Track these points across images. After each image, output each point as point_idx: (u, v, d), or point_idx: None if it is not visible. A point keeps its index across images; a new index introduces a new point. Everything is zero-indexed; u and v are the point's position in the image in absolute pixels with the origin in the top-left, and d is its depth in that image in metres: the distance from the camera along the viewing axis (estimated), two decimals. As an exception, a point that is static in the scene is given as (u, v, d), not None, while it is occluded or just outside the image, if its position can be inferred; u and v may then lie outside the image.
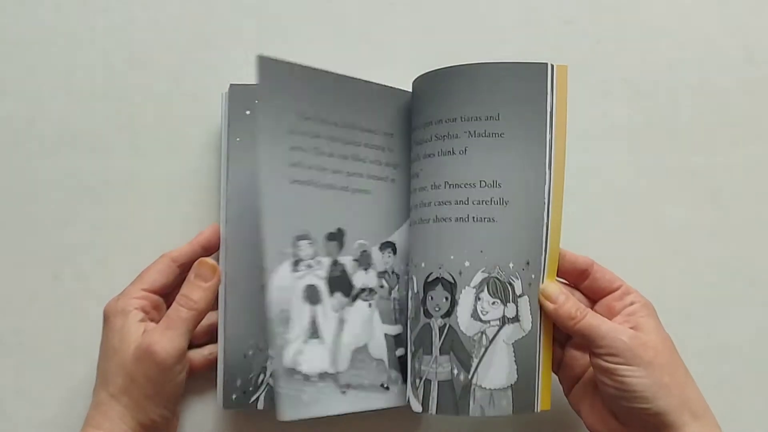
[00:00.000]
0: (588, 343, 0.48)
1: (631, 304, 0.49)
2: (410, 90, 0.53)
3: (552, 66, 0.49)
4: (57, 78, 0.58)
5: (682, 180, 0.58)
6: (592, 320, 0.47)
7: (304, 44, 0.59)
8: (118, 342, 0.49)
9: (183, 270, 0.52)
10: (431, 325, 0.50)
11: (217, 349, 0.53)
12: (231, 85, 0.54)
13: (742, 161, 0.59)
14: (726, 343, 0.57)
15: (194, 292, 0.50)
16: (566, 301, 0.48)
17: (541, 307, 0.49)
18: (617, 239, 0.57)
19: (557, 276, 0.50)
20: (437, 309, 0.49)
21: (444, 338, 0.49)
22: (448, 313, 0.49)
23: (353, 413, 0.50)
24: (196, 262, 0.51)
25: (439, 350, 0.49)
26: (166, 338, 0.48)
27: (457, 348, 0.49)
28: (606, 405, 0.48)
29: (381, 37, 0.59)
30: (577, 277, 0.51)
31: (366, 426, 0.56)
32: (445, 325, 0.49)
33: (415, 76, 0.53)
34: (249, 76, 0.57)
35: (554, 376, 0.52)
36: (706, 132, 0.59)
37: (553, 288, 0.49)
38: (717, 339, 0.57)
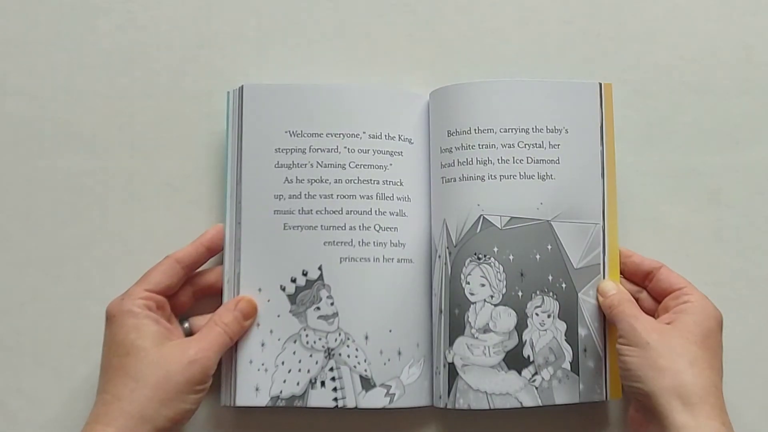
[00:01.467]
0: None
1: (685, 302, 0.51)
2: (408, 90, 0.54)
3: (600, 85, 0.54)
4: (57, 78, 0.58)
5: (682, 180, 0.59)
6: (625, 309, 0.50)
7: (304, 44, 0.59)
8: (138, 339, 0.48)
9: (187, 271, 0.52)
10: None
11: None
12: (243, 86, 0.54)
13: (742, 161, 0.59)
14: (725, 343, 0.57)
15: (234, 323, 0.51)
16: (615, 294, 0.52)
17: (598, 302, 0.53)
18: (617, 239, 0.57)
19: (625, 277, 0.54)
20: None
21: None
22: None
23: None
24: (239, 297, 0.53)
25: None
26: (212, 352, 0.49)
27: None
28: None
29: (381, 37, 0.59)
30: (642, 279, 0.54)
31: (368, 425, 0.56)
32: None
33: (420, 79, 0.53)
34: (250, 76, 0.58)
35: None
36: (706, 132, 0.59)
37: (608, 284, 0.53)
38: (717, 339, 0.57)
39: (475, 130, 0.53)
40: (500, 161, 0.53)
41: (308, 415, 0.55)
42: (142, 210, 0.57)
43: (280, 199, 0.53)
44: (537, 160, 0.53)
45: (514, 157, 0.53)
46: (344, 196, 0.53)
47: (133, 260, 0.53)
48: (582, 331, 0.53)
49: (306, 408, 0.52)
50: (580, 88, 0.54)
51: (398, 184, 0.54)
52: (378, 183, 0.53)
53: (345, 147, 0.53)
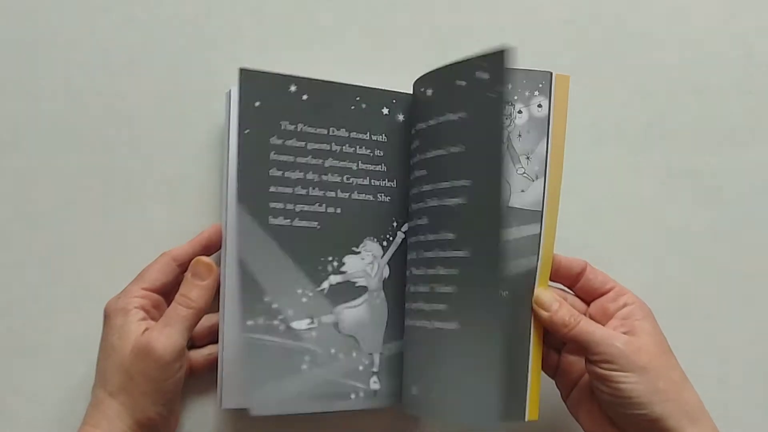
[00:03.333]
0: (583, 349, 0.48)
1: (625, 305, 0.49)
2: (405, 91, 0.54)
3: (551, 74, 0.49)
4: (57, 78, 0.58)
5: (682, 180, 0.58)
6: (586, 327, 0.47)
7: (304, 44, 0.59)
8: (117, 340, 0.49)
9: (183, 269, 0.52)
10: None
11: (217, 350, 0.53)
12: (242, 70, 0.51)
13: (742, 161, 0.59)
14: (726, 343, 0.57)
15: (192, 290, 0.50)
16: (560, 309, 0.48)
17: (534, 315, 0.49)
18: (617, 239, 0.57)
19: (554, 280, 0.51)
20: None
21: None
22: None
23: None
24: (192, 261, 0.51)
25: None
26: (164, 335, 0.48)
27: None
28: (604, 411, 0.48)
29: (381, 36, 0.59)
30: (571, 281, 0.51)
31: (362, 424, 0.56)
32: None
33: (415, 76, 0.53)
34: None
35: (552, 383, 0.52)
36: (706, 132, 0.59)
37: (547, 296, 0.49)
38: (717, 339, 0.57)
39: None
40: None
41: (307, 416, 0.55)
42: (142, 210, 0.57)
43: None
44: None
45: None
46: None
47: (133, 260, 0.53)
48: None
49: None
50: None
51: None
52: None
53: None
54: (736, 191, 0.58)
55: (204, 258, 0.51)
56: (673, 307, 0.53)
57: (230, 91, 0.54)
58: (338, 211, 0.53)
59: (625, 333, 0.47)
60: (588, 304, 0.51)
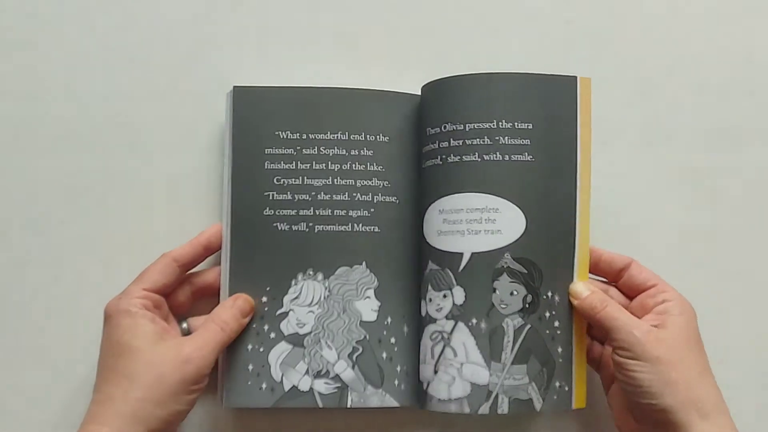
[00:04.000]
0: (607, 335, 0.49)
1: (664, 302, 0.50)
2: (405, 92, 0.54)
3: (577, 78, 0.52)
4: (57, 78, 0.58)
5: (682, 180, 0.59)
6: (611, 312, 0.49)
7: (304, 44, 0.59)
8: (133, 339, 0.48)
9: (184, 269, 0.52)
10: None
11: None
12: (234, 87, 0.54)
13: (742, 161, 0.59)
14: (726, 344, 0.57)
15: (231, 321, 0.51)
16: (590, 295, 0.50)
17: (571, 305, 0.51)
18: (617, 239, 0.57)
19: (596, 273, 0.53)
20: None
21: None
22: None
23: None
24: (236, 295, 0.52)
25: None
26: (207, 350, 0.49)
27: None
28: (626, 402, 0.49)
29: (383, 38, 0.59)
30: (614, 276, 0.53)
31: (369, 425, 0.56)
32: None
33: (416, 77, 0.53)
34: (250, 76, 0.58)
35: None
36: (706, 132, 0.59)
37: (580, 285, 0.51)
38: (717, 339, 0.57)
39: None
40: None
41: (307, 415, 0.55)
42: (142, 210, 0.57)
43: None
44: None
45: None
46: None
47: (133, 260, 0.53)
48: None
49: (305, 408, 0.53)
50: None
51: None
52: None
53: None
54: (736, 191, 0.58)
55: (249, 297, 0.53)
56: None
57: (231, 91, 0.54)
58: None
59: (655, 325, 0.48)
60: (631, 300, 0.52)
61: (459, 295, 0.51)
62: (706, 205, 0.58)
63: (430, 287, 0.52)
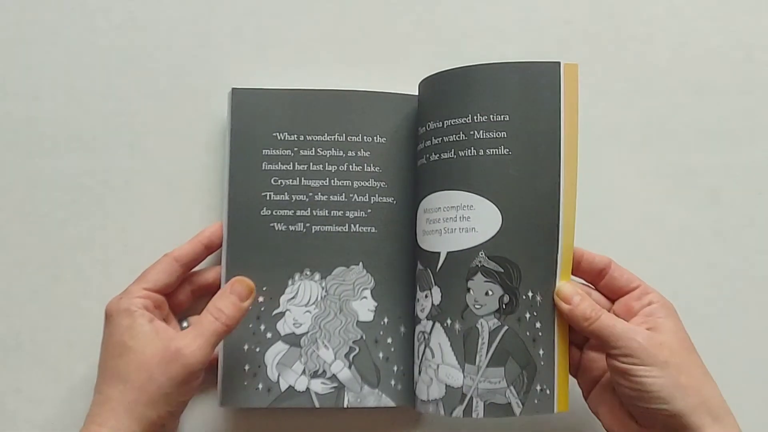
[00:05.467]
0: (603, 344, 0.48)
1: (650, 304, 0.49)
2: (405, 93, 0.54)
3: (560, 64, 0.49)
4: (57, 78, 0.58)
5: (682, 180, 0.58)
6: (607, 321, 0.47)
7: (304, 44, 0.59)
8: (129, 339, 0.48)
9: (185, 269, 0.52)
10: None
11: (217, 350, 0.53)
12: (233, 88, 0.54)
13: (742, 161, 0.59)
14: (726, 343, 0.57)
15: (228, 307, 0.49)
16: (581, 302, 0.48)
17: (556, 308, 0.49)
18: (617, 239, 0.57)
19: (576, 275, 0.51)
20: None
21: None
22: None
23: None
24: (234, 279, 0.50)
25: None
26: (196, 345, 0.47)
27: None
28: (625, 407, 0.48)
29: (383, 38, 0.59)
30: (595, 277, 0.51)
31: (366, 425, 0.56)
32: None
33: (417, 77, 0.53)
34: (250, 76, 0.58)
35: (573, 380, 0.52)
36: (706, 132, 0.59)
37: (569, 288, 0.49)
38: (717, 339, 0.57)
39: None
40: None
41: (304, 415, 0.55)
42: (141, 210, 0.57)
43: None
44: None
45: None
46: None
47: (133, 260, 0.53)
48: None
49: (302, 408, 0.53)
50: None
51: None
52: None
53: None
54: (736, 191, 0.58)
55: (246, 279, 0.51)
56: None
57: (231, 90, 0.54)
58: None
59: (647, 329, 0.48)
60: (612, 302, 0.51)
61: (437, 295, 0.50)
62: (706, 205, 0.58)
63: (418, 288, 0.52)
